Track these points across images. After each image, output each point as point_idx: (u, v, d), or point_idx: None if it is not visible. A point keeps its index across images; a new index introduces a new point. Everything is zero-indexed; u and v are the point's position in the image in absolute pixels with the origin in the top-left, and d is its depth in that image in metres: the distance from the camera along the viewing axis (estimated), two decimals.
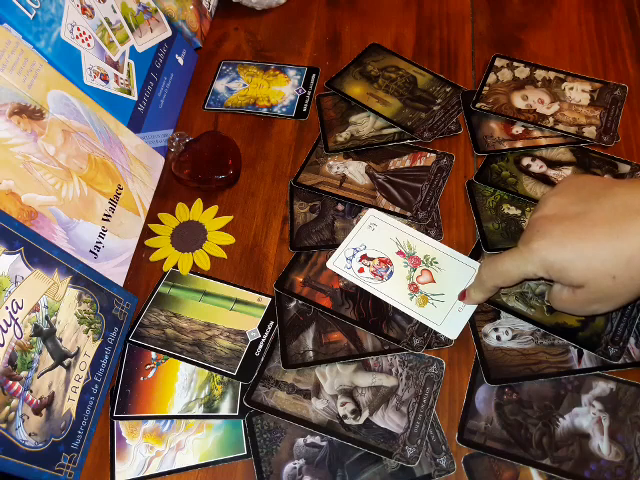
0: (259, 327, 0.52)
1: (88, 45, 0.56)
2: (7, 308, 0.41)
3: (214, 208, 0.60)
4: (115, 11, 0.60)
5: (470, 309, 0.50)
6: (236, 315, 0.53)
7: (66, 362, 0.46)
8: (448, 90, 0.65)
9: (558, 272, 0.41)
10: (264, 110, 0.67)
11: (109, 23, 0.58)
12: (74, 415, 0.47)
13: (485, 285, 0.46)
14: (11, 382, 0.41)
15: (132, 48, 0.61)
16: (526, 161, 0.58)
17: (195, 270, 0.56)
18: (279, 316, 0.52)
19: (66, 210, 0.50)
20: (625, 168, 0.56)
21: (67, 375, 0.46)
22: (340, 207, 0.58)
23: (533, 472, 0.44)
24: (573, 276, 0.40)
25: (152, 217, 0.60)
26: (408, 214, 0.56)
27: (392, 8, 0.74)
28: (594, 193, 0.41)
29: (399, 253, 0.53)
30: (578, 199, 0.41)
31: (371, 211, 0.56)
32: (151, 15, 0.65)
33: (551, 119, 0.60)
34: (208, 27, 0.75)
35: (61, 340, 0.46)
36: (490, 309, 0.50)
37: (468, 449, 0.45)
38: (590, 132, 0.58)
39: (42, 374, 0.44)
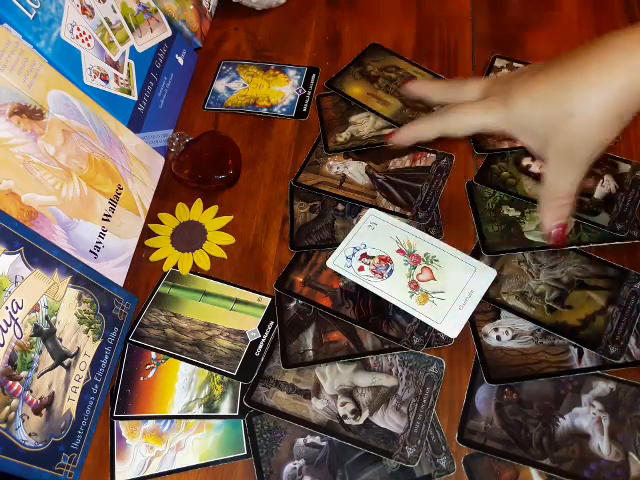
0: (259, 327, 0.52)
1: (88, 45, 0.56)
2: (7, 308, 0.41)
3: (214, 208, 0.60)
4: (115, 11, 0.60)
5: (471, 307, 0.50)
6: (236, 315, 0.53)
7: (66, 362, 0.46)
8: None
9: (518, 120, 0.43)
10: (264, 110, 0.67)
11: (109, 23, 0.59)
12: (74, 415, 0.47)
13: (440, 124, 0.47)
14: (11, 382, 0.41)
15: (132, 48, 0.61)
16: (526, 161, 0.58)
17: (195, 270, 0.56)
18: (279, 316, 0.52)
19: (66, 210, 0.50)
20: (625, 168, 0.56)
21: (67, 375, 0.46)
22: (340, 207, 0.58)
23: (533, 472, 0.44)
24: (535, 123, 0.42)
25: (152, 217, 0.60)
26: (408, 214, 0.56)
27: (392, 8, 0.74)
28: (548, 65, 0.43)
29: (399, 251, 0.53)
30: (531, 68, 0.44)
31: (371, 210, 0.56)
32: (151, 15, 0.65)
33: None
34: (208, 27, 0.75)
35: (61, 340, 0.46)
36: (490, 309, 0.50)
37: (468, 449, 0.45)
38: None
39: (42, 374, 0.44)
